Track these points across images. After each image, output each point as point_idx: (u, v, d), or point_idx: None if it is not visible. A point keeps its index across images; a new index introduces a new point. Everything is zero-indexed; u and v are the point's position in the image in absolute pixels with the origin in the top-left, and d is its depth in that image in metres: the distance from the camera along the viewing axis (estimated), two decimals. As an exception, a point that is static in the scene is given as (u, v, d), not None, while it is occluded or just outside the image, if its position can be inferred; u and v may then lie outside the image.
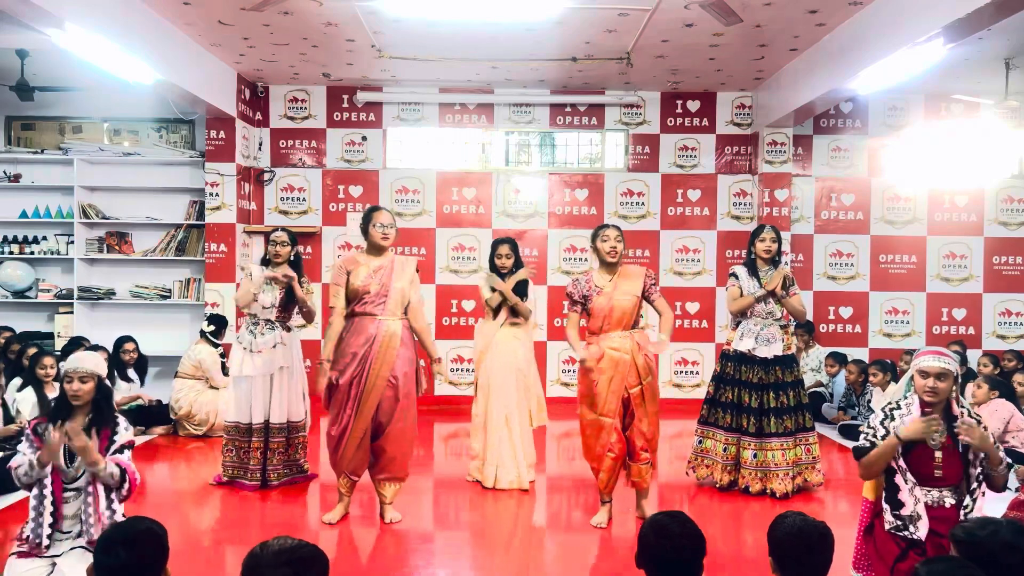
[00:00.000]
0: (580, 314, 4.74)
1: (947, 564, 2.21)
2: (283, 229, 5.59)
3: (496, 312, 5.51)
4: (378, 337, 4.47)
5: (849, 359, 7.77)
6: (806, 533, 2.51)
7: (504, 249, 5.52)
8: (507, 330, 5.48)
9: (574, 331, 4.74)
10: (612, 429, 4.56)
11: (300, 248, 5.64)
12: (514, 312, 5.49)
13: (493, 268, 5.57)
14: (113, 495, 3.52)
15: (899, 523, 3.23)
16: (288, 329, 5.46)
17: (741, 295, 5.36)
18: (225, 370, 6.88)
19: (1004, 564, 2.28)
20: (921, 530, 3.18)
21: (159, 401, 7.23)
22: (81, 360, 3.56)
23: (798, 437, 5.29)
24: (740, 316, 5.40)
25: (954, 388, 3.28)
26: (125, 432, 3.60)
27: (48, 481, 3.46)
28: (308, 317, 5.46)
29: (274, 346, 5.35)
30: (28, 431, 3.59)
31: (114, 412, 3.64)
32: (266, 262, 5.50)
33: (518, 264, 5.57)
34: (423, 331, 4.73)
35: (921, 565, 2.20)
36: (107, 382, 3.65)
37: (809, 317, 8.48)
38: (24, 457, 3.51)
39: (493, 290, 5.49)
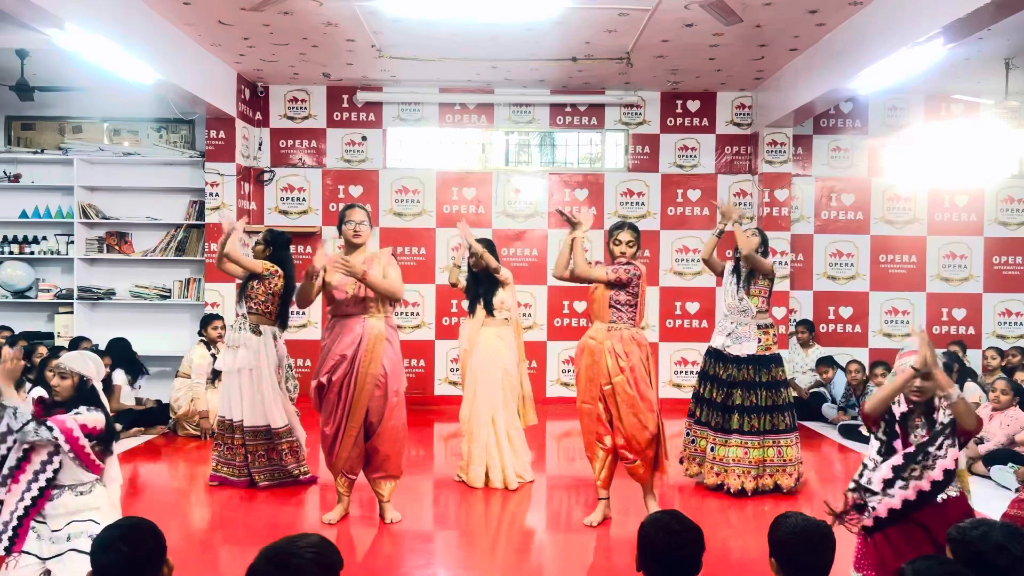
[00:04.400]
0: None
1: (931, 563, 2.22)
2: (269, 231, 5.59)
3: (472, 309, 5.54)
4: (364, 337, 4.46)
5: (849, 359, 7.78)
6: (809, 533, 2.51)
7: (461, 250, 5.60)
8: (490, 329, 5.48)
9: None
10: (596, 418, 4.61)
11: (290, 248, 5.63)
12: (489, 309, 5.45)
13: (470, 268, 5.61)
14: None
15: (861, 493, 3.25)
16: (258, 332, 5.34)
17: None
18: (214, 375, 6.86)
19: (994, 565, 2.29)
20: (880, 508, 3.21)
21: (159, 401, 7.24)
22: (65, 359, 3.59)
23: (767, 438, 5.23)
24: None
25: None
26: (74, 414, 3.49)
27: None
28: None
29: (238, 347, 5.33)
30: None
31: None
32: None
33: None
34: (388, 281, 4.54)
35: (907, 564, 2.20)
36: (93, 384, 3.60)
37: (809, 316, 8.48)
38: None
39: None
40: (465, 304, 5.69)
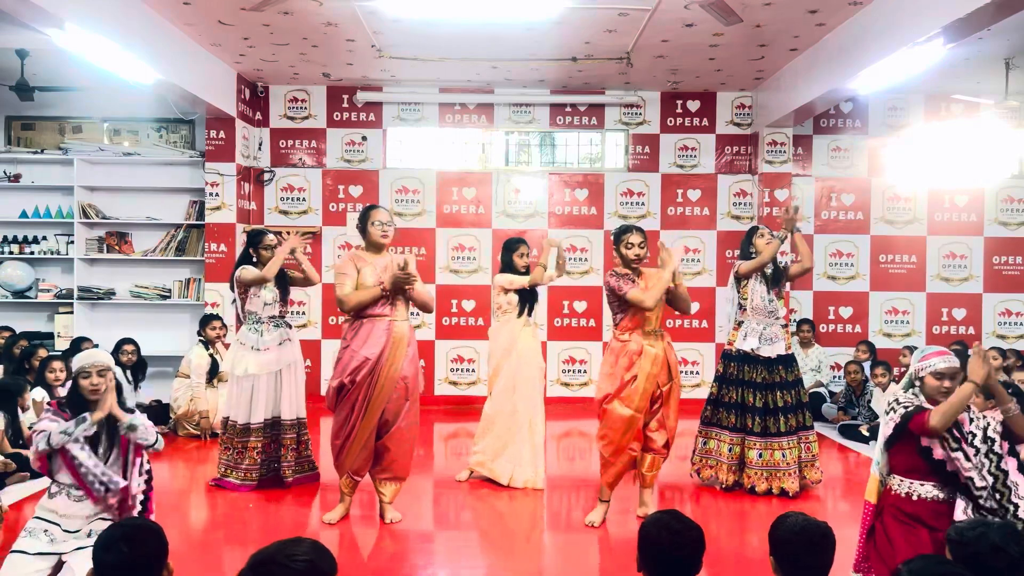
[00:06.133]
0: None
1: (927, 562, 2.21)
2: (266, 230, 5.58)
3: (521, 311, 5.49)
4: (390, 340, 4.46)
5: (848, 360, 7.78)
6: (808, 532, 2.51)
7: (524, 248, 5.55)
8: (527, 330, 5.51)
9: (638, 291, 4.53)
10: (639, 424, 4.61)
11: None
12: (531, 310, 5.52)
13: (510, 267, 5.53)
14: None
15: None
16: (291, 326, 5.51)
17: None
18: (212, 375, 6.83)
19: (991, 566, 2.29)
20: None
21: (158, 401, 7.24)
22: (95, 355, 3.60)
23: (799, 435, 5.30)
24: (739, 323, 5.40)
25: None
26: (142, 415, 3.64)
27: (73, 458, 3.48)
28: (309, 282, 5.57)
29: (280, 343, 5.37)
30: (50, 409, 3.58)
31: (124, 401, 3.66)
32: (249, 262, 5.45)
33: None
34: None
35: (903, 564, 2.20)
36: (115, 371, 3.68)
37: (809, 316, 8.48)
38: (52, 424, 3.48)
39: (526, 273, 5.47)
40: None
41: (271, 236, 5.49)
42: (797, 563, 2.50)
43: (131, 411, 3.62)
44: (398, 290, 4.48)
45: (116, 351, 7.02)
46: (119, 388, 3.64)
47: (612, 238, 4.73)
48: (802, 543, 2.50)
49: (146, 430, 3.56)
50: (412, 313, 8.27)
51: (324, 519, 4.68)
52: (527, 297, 5.50)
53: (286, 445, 5.38)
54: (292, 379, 5.40)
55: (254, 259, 5.47)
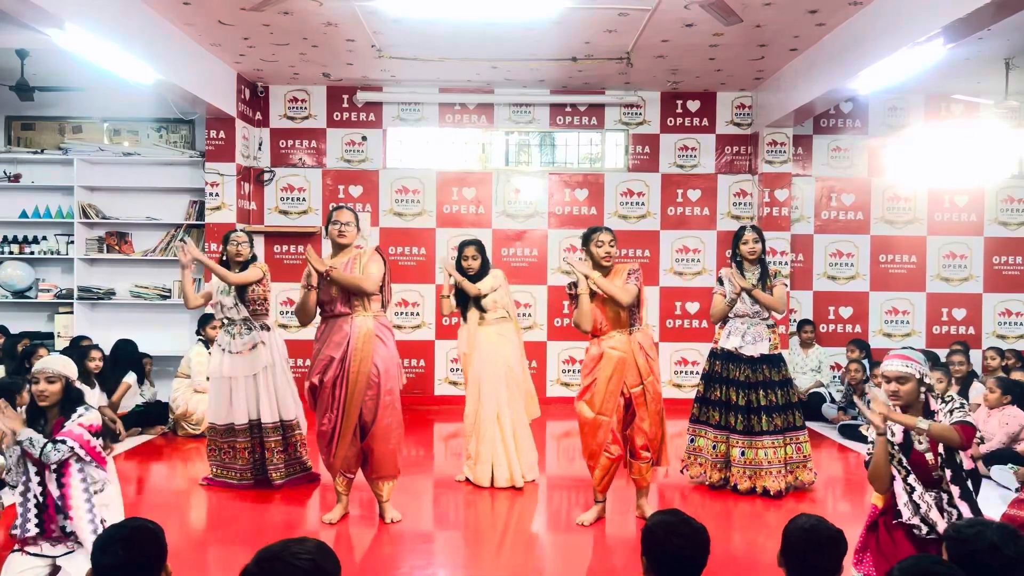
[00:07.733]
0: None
1: (921, 561, 2.22)
2: (241, 230, 5.57)
3: (464, 314, 5.52)
4: (353, 336, 4.47)
5: (849, 359, 7.78)
6: (816, 533, 2.51)
7: (470, 251, 5.51)
8: (490, 328, 5.47)
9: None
10: (609, 428, 4.59)
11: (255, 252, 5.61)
12: (480, 308, 5.46)
13: (459, 269, 5.55)
14: (89, 494, 3.53)
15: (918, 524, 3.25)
16: (267, 328, 5.42)
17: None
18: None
19: (987, 565, 2.29)
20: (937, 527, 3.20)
21: (157, 401, 7.24)
22: (49, 362, 3.60)
23: (788, 436, 5.28)
24: (723, 321, 5.44)
25: (922, 389, 3.36)
26: (77, 418, 3.54)
27: (33, 476, 3.49)
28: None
29: (253, 347, 5.33)
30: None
31: (81, 410, 3.61)
32: (225, 264, 5.45)
33: (485, 265, 5.54)
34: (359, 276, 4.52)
35: (896, 565, 2.21)
36: (77, 385, 3.66)
37: (809, 316, 8.48)
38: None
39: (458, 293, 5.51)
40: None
41: (239, 233, 5.50)
42: (804, 562, 2.51)
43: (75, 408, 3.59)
44: (330, 282, 4.43)
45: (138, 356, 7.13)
46: (79, 396, 3.63)
47: (582, 239, 4.78)
48: (809, 542, 2.51)
49: (31, 444, 3.43)
50: (414, 313, 8.38)
51: (324, 519, 4.68)
52: (464, 299, 5.50)
53: (271, 448, 5.36)
54: (269, 382, 5.34)
55: (223, 257, 5.48)
